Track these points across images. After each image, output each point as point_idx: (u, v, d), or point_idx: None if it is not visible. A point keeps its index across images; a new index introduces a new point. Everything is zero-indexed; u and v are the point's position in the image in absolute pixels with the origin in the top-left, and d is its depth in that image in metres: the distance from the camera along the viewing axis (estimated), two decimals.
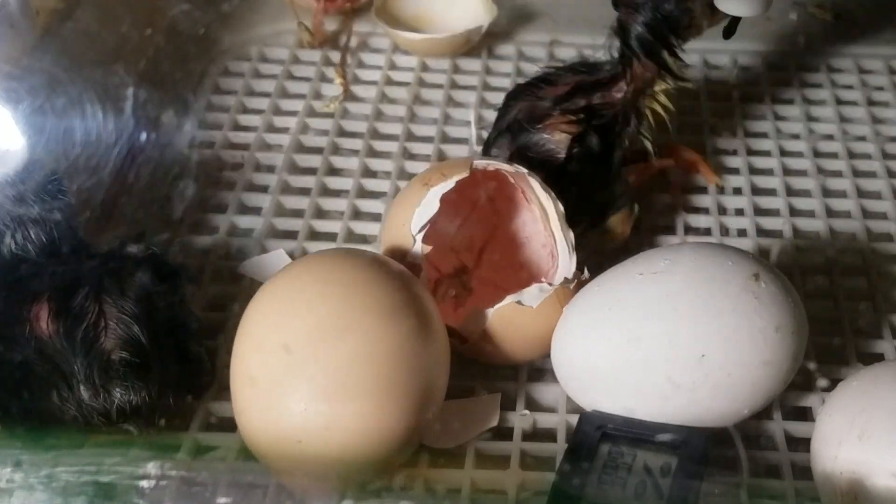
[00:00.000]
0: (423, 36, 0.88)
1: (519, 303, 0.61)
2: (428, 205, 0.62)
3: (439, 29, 0.90)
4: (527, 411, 0.62)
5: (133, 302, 0.58)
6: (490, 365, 0.64)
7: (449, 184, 0.62)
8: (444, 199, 0.62)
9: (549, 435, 0.61)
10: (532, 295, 0.62)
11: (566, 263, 0.64)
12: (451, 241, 0.69)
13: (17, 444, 0.57)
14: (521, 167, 0.64)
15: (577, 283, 0.63)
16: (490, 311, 0.62)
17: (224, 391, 0.63)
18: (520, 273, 0.68)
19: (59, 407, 0.57)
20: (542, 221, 0.66)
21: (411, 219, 0.62)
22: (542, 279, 0.65)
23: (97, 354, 0.57)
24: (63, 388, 0.57)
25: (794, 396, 0.63)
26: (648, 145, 0.71)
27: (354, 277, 0.57)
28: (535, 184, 0.65)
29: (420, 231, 0.62)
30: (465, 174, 0.63)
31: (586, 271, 0.63)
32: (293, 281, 0.58)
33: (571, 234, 0.64)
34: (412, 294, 0.58)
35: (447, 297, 0.67)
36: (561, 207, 0.64)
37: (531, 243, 0.69)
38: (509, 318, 0.61)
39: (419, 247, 0.62)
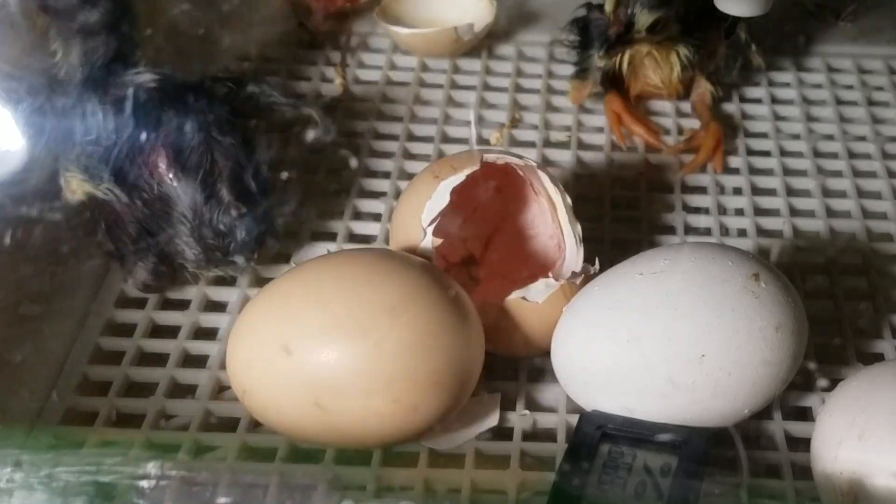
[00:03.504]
0: (422, 31, 0.88)
1: (524, 298, 0.61)
2: (439, 197, 0.62)
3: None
4: (527, 411, 0.62)
5: (238, 147, 0.65)
6: (492, 361, 0.64)
7: (459, 176, 0.62)
8: (454, 192, 0.62)
9: (549, 435, 0.61)
10: (538, 290, 0.61)
11: (573, 257, 0.64)
12: (460, 232, 0.69)
13: (17, 443, 0.57)
14: (530, 160, 0.64)
15: (586, 277, 0.62)
16: (496, 305, 0.61)
17: (224, 391, 0.63)
18: (527, 265, 0.68)
19: (180, 248, 0.63)
20: (550, 214, 0.66)
21: (422, 211, 0.62)
22: (550, 272, 0.65)
23: (217, 199, 0.63)
24: (185, 230, 0.62)
25: (794, 396, 0.63)
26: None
27: (371, 273, 0.57)
28: (544, 176, 0.64)
29: (431, 224, 0.62)
30: (475, 167, 0.63)
31: (597, 263, 0.63)
32: (294, 280, 0.58)
33: (579, 227, 0.64)
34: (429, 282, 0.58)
35: None
36: (569, 200, 0.64)
37: (539, 236, 0.69)
38: (515, 313, 0.61)
39: (430, 239, 0.62)
